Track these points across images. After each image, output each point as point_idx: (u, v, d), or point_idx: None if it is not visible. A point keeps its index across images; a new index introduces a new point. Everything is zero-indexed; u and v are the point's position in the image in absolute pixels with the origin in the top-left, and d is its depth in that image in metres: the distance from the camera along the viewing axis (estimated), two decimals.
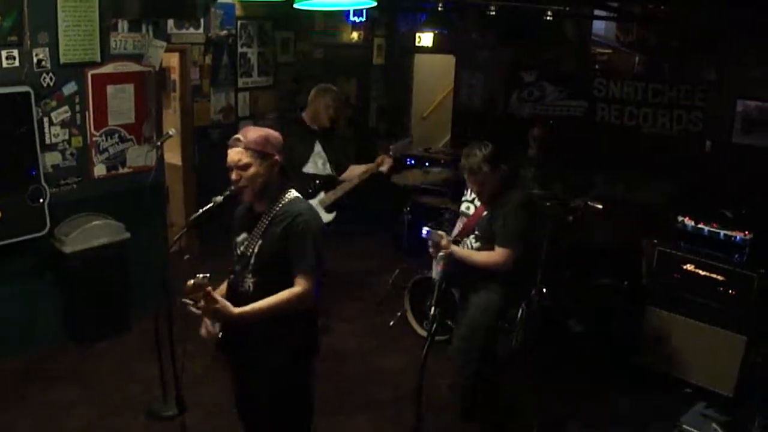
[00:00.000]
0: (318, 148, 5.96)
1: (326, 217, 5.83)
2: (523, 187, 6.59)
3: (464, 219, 4.82)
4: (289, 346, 3.43)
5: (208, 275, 3.10)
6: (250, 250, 3.39)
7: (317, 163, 5.96)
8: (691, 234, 5.66)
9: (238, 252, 3.47)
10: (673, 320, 5.59)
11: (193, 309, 3.17)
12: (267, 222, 3.37)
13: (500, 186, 4.54)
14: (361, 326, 6.51)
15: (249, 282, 3.40)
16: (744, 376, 5.26)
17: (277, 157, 3.38)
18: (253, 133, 3.36)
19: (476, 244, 4.66)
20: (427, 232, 4.58)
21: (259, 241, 3.37)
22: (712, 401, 5.18)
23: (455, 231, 4.90)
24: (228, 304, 3.19)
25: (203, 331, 3.39)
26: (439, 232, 4.59)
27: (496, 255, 4.49)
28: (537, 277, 6.20)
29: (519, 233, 4.47)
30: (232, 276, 3.47)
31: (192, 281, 3.06)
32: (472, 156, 4.44)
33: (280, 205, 3.39)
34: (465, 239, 4.73)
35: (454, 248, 4.53)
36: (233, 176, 3.35)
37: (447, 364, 5.16)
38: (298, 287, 3.29)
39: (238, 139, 3.34)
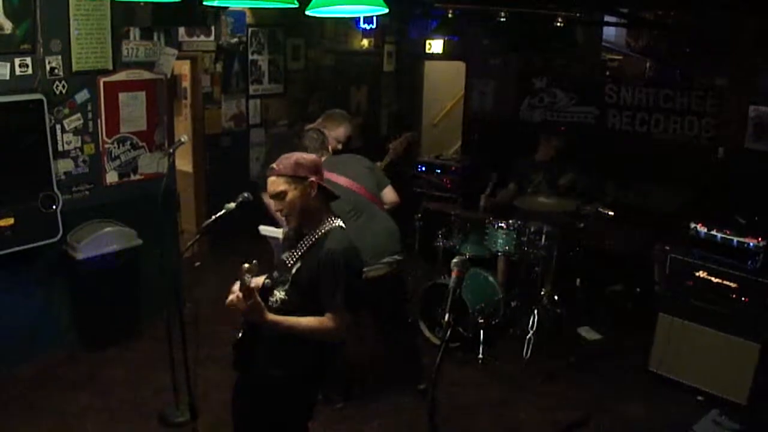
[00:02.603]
0: None
1: None
2: (534, 192, 6.64)
3: None
4: (298, 367, 3.42)
5: (256, 262, 3.07)
6: (289, 267, 3.40)
7: None
8: (703, 241, 5.62)
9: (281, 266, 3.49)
10: (686, 327, 5.54)
11: (234, 296, 3.16)
12: (307, 246, 3.39)
13: None
14: (371, 333, 6.47)
15: (278, 296, 3.38)
16: (757, 384, 5.21)
17: (312, 178, 3.36)
18: (285, 159, 3.39)
19: None
20: None
21: (299, 264, 3.38)
22: (725, 409, 5.16)
23: None
24: (263, 306, 3.17)
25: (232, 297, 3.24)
26: None
27: None
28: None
29: None
30: (268, 280, 3.47)
31: (246, 265, 3.03)
32: None
33: (321, 233, 3.39)
34: None
35: None
36: (277, 206, 3.40)
37: (462, 372, 5.16)
38: (330, 323, 3.27)
39: (272, 168, 3.38)
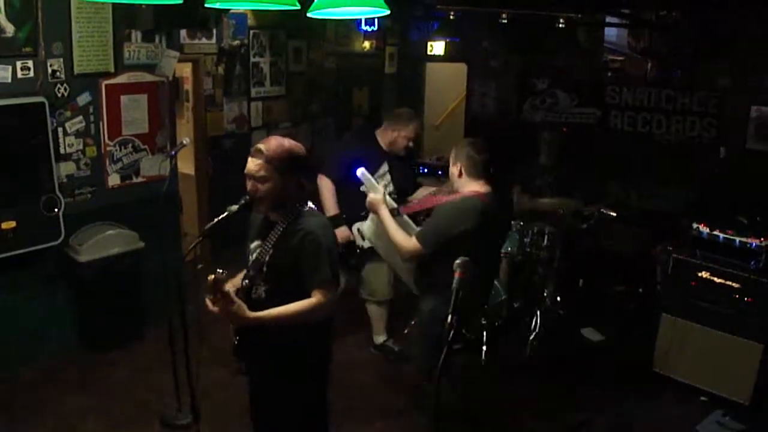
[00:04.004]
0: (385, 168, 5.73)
1: None
2: (539, 194, 6.62)
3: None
4: (303, 354, 3.42)
5: (226, 272, 3.08)
6: (263, 259, 3.37)
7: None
8: (706, 241, 5.62)
9: (251, 258, 3.46)
10: (689, 328, 5.54)
11: (211, 306, 3.15)
12: (280, 232, 3.34)
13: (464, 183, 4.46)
14: None
15: (261, 289, 3.38)
16: (760, 384, 5.21)
17: (300, 176, 3.34)
18: (277, 146, 3.28)
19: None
20: (362, 174, 4.55)
21: (271, 251, 3.35)
22: (729, 410, 5.16)
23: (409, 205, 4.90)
24: (244, 306, 3.16)
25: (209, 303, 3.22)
26: (378, 185, 4.51)
27: (409, 242, 4.24)
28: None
29: (434, 233, 4.20)
30: (246, 281, 3.44)
31: (212, 276, 3.04)
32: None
33: (294, 217, 3.35)
34: (403, 215, 4.57)
35: (381, 208, 4.36)
36: (249, 186, 3.31)
37: (465, 373, 5.15)
38: (315, 299, 3.26)
39: (260, 150, 3.26)
